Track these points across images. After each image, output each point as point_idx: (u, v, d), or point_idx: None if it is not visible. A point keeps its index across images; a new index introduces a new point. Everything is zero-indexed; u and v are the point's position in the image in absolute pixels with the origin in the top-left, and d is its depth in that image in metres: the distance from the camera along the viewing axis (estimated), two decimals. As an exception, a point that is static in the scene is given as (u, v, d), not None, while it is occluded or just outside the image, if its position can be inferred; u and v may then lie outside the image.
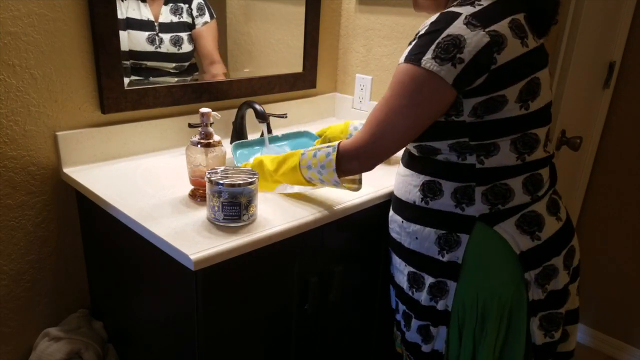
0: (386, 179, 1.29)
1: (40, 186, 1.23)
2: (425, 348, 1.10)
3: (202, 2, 1.46)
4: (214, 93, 1.50)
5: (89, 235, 1.31)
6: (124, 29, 1.31)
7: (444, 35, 0.87)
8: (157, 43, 1.38)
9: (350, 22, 1.82)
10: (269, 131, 1.45)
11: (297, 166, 1.05)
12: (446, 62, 0.86)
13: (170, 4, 1.40)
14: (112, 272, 1.25)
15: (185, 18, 1.43)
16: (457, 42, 0.86)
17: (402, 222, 1.07)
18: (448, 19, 0.88)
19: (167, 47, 1.40)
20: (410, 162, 1.07)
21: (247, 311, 1.03)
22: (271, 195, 1.15)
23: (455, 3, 0.94)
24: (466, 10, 0.89)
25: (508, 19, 0.90)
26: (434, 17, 0.92)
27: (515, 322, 1.02)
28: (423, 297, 1.06)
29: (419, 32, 0.93)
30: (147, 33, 1.36)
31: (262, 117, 1.40)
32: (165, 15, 1.39)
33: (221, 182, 0.95)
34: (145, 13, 1.36)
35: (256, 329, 1.07)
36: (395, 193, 1.11)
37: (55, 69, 1.19)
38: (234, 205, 0.96)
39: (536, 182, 0.99)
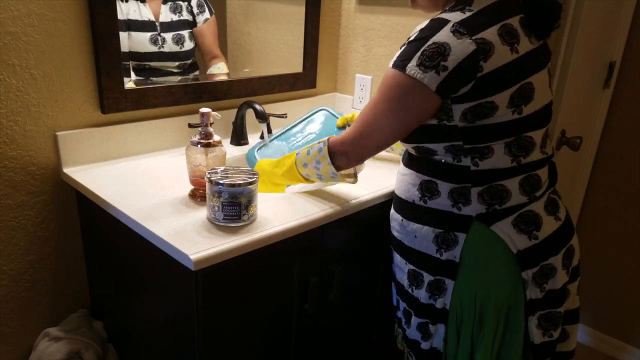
0: (386, 178, 1.29)
1: (40, 186, 1.23)
2: (425, 345, 1.10)
3: None
4: (214, 93, 1.50)
5: (89, 235, 1.31)
6: (125, 30, 1.31)
7: (429, 42, 0.88)
8: (160, 43, 1.38)
9: (350, 22, 1.82)
10: (269, 131, 1.45)
11: (294, 165, 1.09)
12: (430, 69, 0.88)
13: (169, 3, 1.40)
14: (112, 272, 1.25)
15: (186, 16, 1.43)
16: (441, 50, 0.87)
17: (402, 220, 1.08)
18: (436, 26, 0.90)
19: (169, 46, 1.40)
20: (409, 161, 1.08)
21: (247, 311, 1.03)
22: (271, 195, 1.15)
23: (447, 8, 0.95)
24: (454, 18, 0.89)
25: (497, 26, 0.89)
26: (424, 24, 0.93)
27: (513, 321, 1.03)
28: (422, 294, 1.07)
29: (409, 38, 0.95)
30: (149, 34, 1.36)
31: (262, 117, 1.40)
32: (165, 14, 1.39)
33: (221, 182, 0.95)
34: (145, 13, 1.36)
35: (256, 329, 1.07)
36: (396, 192, 1.12)
37: (55, 69, 1.19)
38: (234, 205, 0.96)
39: (533, 182, 0.99)
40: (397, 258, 1.13)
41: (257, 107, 1.42)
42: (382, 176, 1.31)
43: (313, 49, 1.76)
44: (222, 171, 1.00)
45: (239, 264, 0.96)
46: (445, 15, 0.91)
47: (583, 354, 2.09)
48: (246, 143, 1.54)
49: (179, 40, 1.41)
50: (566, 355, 1.17)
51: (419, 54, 0.89)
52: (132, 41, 1.34)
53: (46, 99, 1.20)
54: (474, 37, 0.87)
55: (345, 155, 1.02)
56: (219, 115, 1.16)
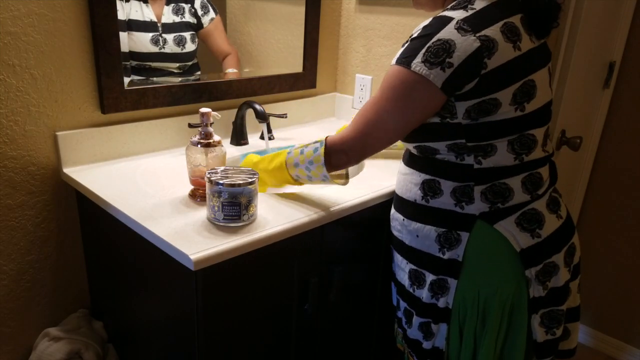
0: (386, 178, 1.29)
1: (40, 186, 1.23)
2: (426, 345, 1.10)
3: (205, 0, 1.46)
4: (214, 93, 1.50)
5: (89, 235, 1.31)
6: (125, 31, 1.31)
7: (434, 39, 0.88)
8: (161, 44, 1.38)
9: (350, 22, 1.82)
10: (269, 131, 1.45)
11: (284, 165, 1.07)
12: (435, 66, 0.88)
13: (172, 4, 1.40)
14: (112, 272, 1.25)
15: (188, 18, 1.43)
16: (446, 47, 0.87)
17: (403, 219, 1.08)
18: (440, 23, 0.90)
19: (171, 47, 1.40)
20: (410, 160, 1.07)
21: (247, 311, 1.03)
22: (271, 196, 1.15)
23: (449, 6, 0.95)
24: (458, 15, 0.89)
25: (500, 23, 0.90)
26: (427, 21, 0.93)
27: (516, 319, 1.03)
28: (424, 294, 1.06)
29: (412, 35, 0.94)
30: (150, 34, 1.36)
31: (262, 117, 1.40)
32: (168, 15, 1.40)
33: (221, 182, 0.95)
34: (147, 14, 1.36)
35: (256, 328, 1.07)
36: (397, 191, 1.12)
37: (55, 69, 1.19)
38: (234, 205, 0.96)
39: (535, 181, 1.00)
40: (398, 258, 1.13)
41: (257, 107, 1.42)
42: (381, 176, 1.31)
43: (313, 49, 1.76)
44: (222, 171, 1.00)
45: (239, 264, 0.96)
46: (448, 13, 0.91)
47: (583, 354, 2.09)
48: (246, 143, 1.54)
49: (180, 42, 1.41)
50: (568, 353, 1.17)
51: (423, 50, 0.89)
52: (133, 41, 1.34)
53: (46, 99, 1.20)
54: (477, 34, 0.87)
55: (345, 153, 1.01)
56: (219, 115, 1.16)
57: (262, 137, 1.59)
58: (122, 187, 1.16)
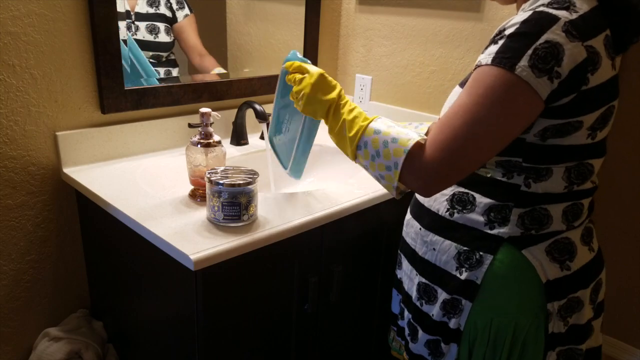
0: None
1: (40, 186, 1.23)
2: None
3: None
4: (214, 93, 1.50)
5: (89, 235, 1.31)
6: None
7: (541, 40, 0.73)
8: (133, 30, 1.38)
9: (350, 22, 1.82)
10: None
11: (364, 124, 0.89)
12: (544, 73, 0.74)
13: None
14: (112, 272, 1.25)
15: (163, 10, 1.43)
16: (555, 52, 0.73)
17: (420, 229, 1.00)
18: (545, 21, 0.75)
19: (142, 34, 1.40)
20: None
21: (247, 311, 1.03)
22: (271, 195, 1.15)
23: (545, 2, 0.79)
24: (564, 16, 0.75)
25: (603, 35, 0.78)
26: (524, 15, 0.77)
27: (530, 353, 0.94)
28: (435, 311, 0.98)
29: (504, 30, 0.79)
30: (125, 22, 1.36)
31: (262, 117, 1.40)
32: (141, 6, 1.40)
33: (221, 182, 0.95)
34: (122, 6, 1.36)
35: (256, 329, 1.07)
36: (418, 197, 1.03)
37: (55, 69, 1.19)
38: (234, 205, 0.96)
39: (577, 211, 0.90)
40: (407, 266, 1.06)
41: (257, 107, 1.42)
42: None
43: (313, 49, 1.76)
44: (222, 171, 1.00)
45: (239, 264, 0.96)
46: (550, 10, 0.76)
47: (583, 354, 2.09)
48: (246, 143, 1.54)
49: (152, 30, 1.41)
50: None
51: (530, 52, 0.73)
52: None
53: (46, 99, 1.20)
54: (585, 44, 0.75)
55: (425, 178, 0.82)
56: (219, 115, 1.16)
57: (262, 137, 1.59)
58: (122, 187, 1.16)
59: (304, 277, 1.11)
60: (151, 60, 1.44)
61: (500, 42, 0.77)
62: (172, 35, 1.47)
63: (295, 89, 0.97)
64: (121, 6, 1.33)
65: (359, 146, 0.89)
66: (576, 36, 0.74)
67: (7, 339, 1.28)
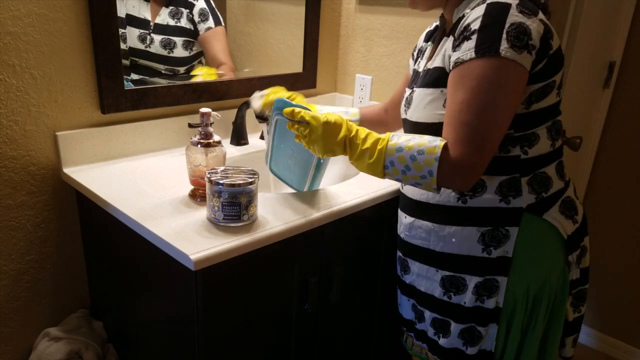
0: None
1: (40, 186, 1.23)
2: (471, 351, 1.05)
3: (206, 7, 1.45)
4: (214, 93, 1.50)
5: (89, 235, 1.31)
6: (124, 26, 1.31)
7: (508, 24, 0.85)
8: (148, 42, 1.38)
9: (350, 22, 1.82)
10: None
11: (384, 145, 0.93)
12: (522, 49, 0.85)
13: (171, 7, 1.40)
14: (112, 272, 1.25)
15: (185, 24, 1.42)
16: (523, 29, 0.85)
17: (434, 226, 1.03)
18: (502, 9, 0.86)
19: (156, 47, 1.40)
20: None
21: (247, 311, 1.03)
22: (271, 195, 1.15)
23: None
24: (511, 1, 0.87)
25: (539, 10, 0.91)
26: (479, 11, 0.88)
27: (559, 305, 1.05)
28: (467, 299, 1.02)
29: (469, 28, 0.88)
30: (139, 31, 1.36)
31: (262, 117, 1.40)
32: (163, 17, 1.39)
33: (221, 182, 0.95)
34: (143, 11, 1.36)
35: (256, 329, 1.07)
36: (414, 197, 1.07)
37: (55, 69, 1.19)
38: (234, 205, 0.96)
39: (563, 167, 1.02)
40: (421, 268, 1.08)
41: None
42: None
43: (313, 49, 1.76)
44: (222, 171, 1.00)
45: (239, 264, 0.96)
46: (499, 0, 0.87)
47: (583, 354, 2.09)
48: (246, 143, 1.54)
49: (167, 45, 1.40)
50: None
51: (504, 36, 0.84)
52: (128, 36, 1.34)
53: (46, 99, 1.20)
54: (538, 17, 0.88)
55: (464, 174, 0.89)
56: (219, 115, 1.16)
57: (262, 137, 1.59)
58: (122, 187, 1.16)
59: (304, 277, 1.11)
60: (165, 72, 1.44)
61: (474, 37, 0.87)
62: (192, 49, 1.46)
63: (305, 143, 1.00)
64: (140, 12, 1.34)
65: (386, 166, 0.94)
66: (529, 14, 0.86)
67: (7, 339, 1.28)
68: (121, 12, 1.29)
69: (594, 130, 1.90)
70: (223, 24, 1.50)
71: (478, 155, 0.88)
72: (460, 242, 1.00)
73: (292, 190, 1.20)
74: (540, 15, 0.89)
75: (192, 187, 1.13)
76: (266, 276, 1.05)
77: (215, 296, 0.96)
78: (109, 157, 1.31)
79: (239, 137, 1.52)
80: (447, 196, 1.01)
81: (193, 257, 0.87)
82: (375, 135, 0.96)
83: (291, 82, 1.73)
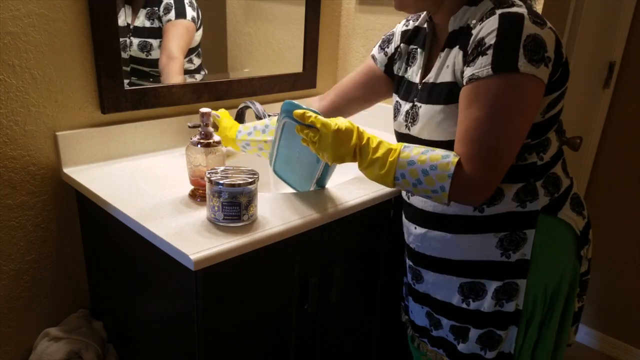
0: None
1: (40, 186, 1.23)
2: (490, 354, 1.04)
3: (171, 2, 1.41)
4: (214, 93, 1.50)
5: (89, 235, 1.31)
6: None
7: (524, 37, 0.82)
8: (128, 46, 1.36)
9: (350, 22, 1.82)
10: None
11: (396, 156, 0.92)
12: (540, 63, 0.83)
13: (148, 8, 1.38)
14: (112, 272, 1.25)
15: (157, 24, 1.40)
16: (539, 42, 0.83)
17: (450, 236, 1.02)
18: (516, 20, 0.84)
19: (135, 51, 1.38)
20: None
21: (247, 311, 1.03)
22: (271, 195, 1.15)
23: (489, 7, 0.89)
24: (522, 11, 0.85)
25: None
26: (494, 23, 0.85)
27: (571, 299, 1.06)
28: (486, 304, 1.02)
29: (483, 43, 0.85)
30: (122, 38, 1.34)
31: (262, 117, 1.40)
32: (141, 19, 1.38)
33: (221, 182, 0.95)
34: (127, 17, 1.34)
35: (256, 329, 1.07)
36: (431, 210, 1.05)
37: (55, 69, 1.19)
38: (234, 205, 0.96)
39: (566, 164, 1.04)
40: (437, 277, 1.07)
41: (257, 107, 1.42)
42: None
43: (313, 49, 1.76)
44: (222, 171, 1.00)
45: (239, 264, 0.96)
46: (512, 10, 0.85)
47: (583, 354, 2.09)
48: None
49: (144, 47, 1.39)
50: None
51: (522, 51, 0.82)
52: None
53: (46, 99, 1.20)
54: (548, 27, 0.86)
55: (478, 191, 0.89)
56: (219, 115, 1.16)
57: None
58: (122, 187, 1.16)
59: (304, 277, 1.11)
60: (154, 73, 1.42)
61: (489, 53, 0.84)
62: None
63: (314, 149, 0.99)
64: (124, 19, 1.32)
65: (396, 178, 0.93)
66: (540, 23, 0.85)
67: (7, 339, 1.28)
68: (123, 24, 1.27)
69: (594, 130, 1.90)
70: (191, 19, 1.46)
71: (492, 172, 0.87)
72: (478, 249, 1.00)
73: (293, 190, 1.20)
74: (549, 23, 0.87)
75: (192, 187, 1.13)
76: (266, 276, 1.05)
77: (215, 296, 0.96)
78: (109, 157, 1.31)
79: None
80: (462, 208, 0.99)
81: (193, 257, 0.87)
82: (386, 144, 0.95)
83: (291, 82, 1.73)
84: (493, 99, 0.84)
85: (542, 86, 0.86)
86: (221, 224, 0.98)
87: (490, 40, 0.84)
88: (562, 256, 1.02)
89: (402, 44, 1.12)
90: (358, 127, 0.97)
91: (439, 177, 0.88)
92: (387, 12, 1.70)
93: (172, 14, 1.42)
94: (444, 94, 0.94)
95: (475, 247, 1.00)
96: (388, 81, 1.17)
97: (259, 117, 1.40)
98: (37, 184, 1.23)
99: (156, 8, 1.40)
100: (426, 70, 1.03)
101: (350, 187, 1.23)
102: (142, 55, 1.39)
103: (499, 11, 0.86)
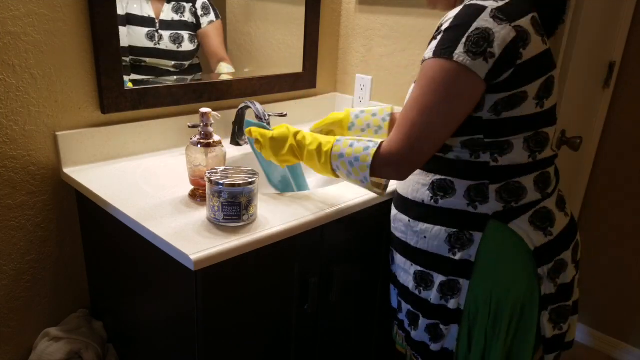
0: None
1: (40, 186, 1.23)
2: (435, 347, 1.08)
3: (207, 1, 1.46)
4: (214, 93, 1.50)
5: (89, 235, 1.31)
6: (124, 25, 1.31)
7: (472, 28, 0.85)
8: (157, 39, 1.38)
9: (350, 22, 1.82)
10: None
11: (329, 150, 1.00)
12: (478, 56, 0.85)
13: (173, 3, 1.40)
14: (112, 272, 1.25)
15: (188, 17, 1.43)
16: (486, 36, 0.85)
17: (409, 221, 1.06)
18: (473, 12, 0.87)
19: (166, 43, 1.40)
20: None
21: (247, 311, 1.04)
22: (271, 196, 1.15)
23: None
24: (490, 4, 0.88)
25: (529, 16, 0.90)
26: (456, 10, 0.90)
27: (527, 317, 1.03)
28: (432, 295, 1.05)
29: (441, 26, 0.91)
30: (147, 29, 1.36)
31: (262, 117, 1.40)
32: (167, 13, 1.40)
33: (221, 182, 0.95)
34: (146, 10, 1.36)
35: (256, 328, 1.07)
36: (400, 192, 1.10)
37: (55, 69, 1.19)
38: (234, 205, 0.96)
39: (546, 180, 1.00)
40: (400, 259, 1.11)
41: (257, 107, 1.42)
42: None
43: (313, 49, 1.76)
44: (222, 171, 1.00)
45: (239, 264, 0.96)
46: (478, 2, 0.89)
47: (583, 354, 2.09)
48: (246, 143, 1.54)
49: (176, 39, 1.41)
50: (568, 344, 1.17)
51: (464, 40, 0.85)
52: (130, 35, 1.34)
53: (46, 99, 1.20)
54: (513, 24, 0.86)
55: (391, 165, 0.95)
56: (219, 115, 1.16)
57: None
58: (122, 187, 1.16)
59: (304, 277, 1.11)
60: (172, 69, 1.44)
61: (439, 37, 0.90)
62: (195, 42, 1.47)
63: (266, 157, 1.11)
64: (142, 11, 1.34)
65: (334, 169, 1.02)
66: (503, 19, 0.86)
67: (7, 339, 1.28)
68: (122, 12, 1.29)
69: (594, 130, 1.90)
70: (220, 16, 1.51)
71: (411, 150, 0.92)
72: (430, 239, 1.03)
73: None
74: (521, 21, 0.87)
75: (192, 187, 1.13)
76: (266, 276, 1.05)
77: (215, 296, 0.96)
78: (109, 157, 1.31)
79: (239, 137, 1.52)
80: (422, 194, 1.03)
81: (193, 257, 0.87)
82: (321, 138, 1.03)
83: (291, 82, 1.73)
84: (425, 80, 0.90)
85: (475, 79, 0.87)
86: (221, 224, 0.98)
87: (446, 25, 0.90)
88: (509, 266, 1.00)
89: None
90: (297, 131, 1.06)
91: (362, 168, 0.96)
92: (387, 12, 1.70)
93: (213, 15, 1.47)
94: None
95: (428, 237, 1.03)
96: None
97: (259, 117, 1.40)
98: (37, 184, 1.23)
99: (184, 3, 1.43)
100: None
101: (350, 187, 1.23)
102: (174, 48, 1.41)
103: (467, 1, 0.90)
